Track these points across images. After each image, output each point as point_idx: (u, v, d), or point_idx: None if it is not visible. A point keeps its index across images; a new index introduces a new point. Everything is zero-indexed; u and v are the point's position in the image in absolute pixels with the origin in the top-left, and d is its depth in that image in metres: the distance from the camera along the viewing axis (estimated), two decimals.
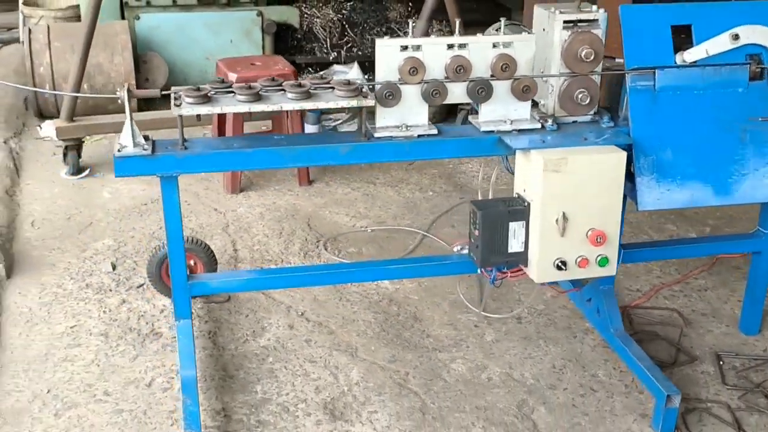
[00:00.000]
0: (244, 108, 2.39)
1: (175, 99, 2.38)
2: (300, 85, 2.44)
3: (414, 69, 2.50)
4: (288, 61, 4.47)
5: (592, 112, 2.69)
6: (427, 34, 4.83)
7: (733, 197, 2.72)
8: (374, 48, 2.49)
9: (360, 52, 5.84)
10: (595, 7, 2.66)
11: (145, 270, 3.26)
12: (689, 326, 3.14)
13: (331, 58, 5.76)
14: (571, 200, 2.47)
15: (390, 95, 2.50)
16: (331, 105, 2.44)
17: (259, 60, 4.19)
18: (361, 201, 4.07)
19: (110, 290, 3.28)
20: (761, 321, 3.10)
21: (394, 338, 3.03)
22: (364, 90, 2.47)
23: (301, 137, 2.59)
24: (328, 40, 5.84)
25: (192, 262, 3.15)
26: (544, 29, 2.66)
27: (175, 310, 2.64)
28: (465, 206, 3.94)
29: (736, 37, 2.68)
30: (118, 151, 2.36)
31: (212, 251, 3.20)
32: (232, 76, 3.94)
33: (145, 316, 3.11)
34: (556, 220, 2.47)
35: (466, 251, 2.81)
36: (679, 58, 2.68)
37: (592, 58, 2.58)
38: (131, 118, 2.37)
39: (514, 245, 2.55)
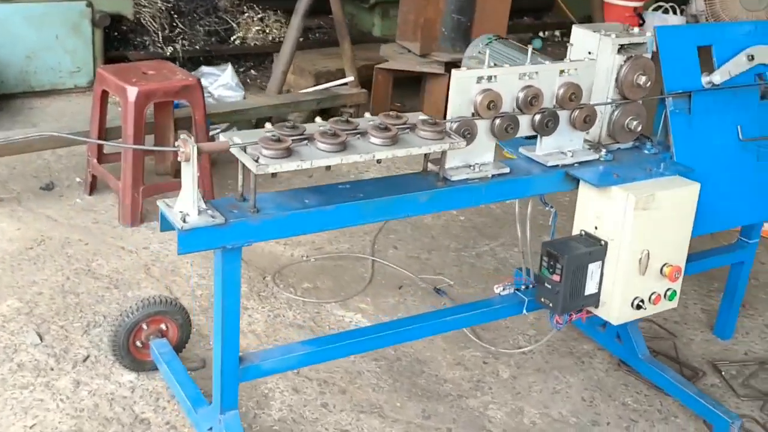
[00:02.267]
0: (335, 160, 1.99)
1: (250, 153, 1.91)
2: (386, 129, 2.07)
3: (492, 103, 2.23)
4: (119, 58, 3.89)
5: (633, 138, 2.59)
6: (302, 31, 4.47)
7: (758, 215, 2.77)
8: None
9: (197, 47, 5.28)
10: (636, 30, 2.55)
11: (106, 340, 2.68)
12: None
13: (168, 53, 5.14)
14: (651, 236, 2.36)
15: (468, 133, 2.22)
16: (424, 150, 2.11)
17: (149, 68, 3.59)
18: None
19: (52, 369, 2.65)
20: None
21: (412, 388, 2.75)
22: (447, 128, 2.17)
23: (366, 184, 2.21)
24: (159, 32, 5.21)
25: (164, 326, 2.64)
26: (589, 53, 2.50)
27: (222, 401, 2.17)
28: (395, 224, 3.70)
29: (751, 57, 2.70)
30: (183, 221, 1.86)
31: (187, 311, 2.70)
32: (132, 91, 3.33)
33: (116, 399, 2.55)
34: (639, 259, 2.35)
35: (508, 292, 2.61)
36: (705, 80, 2.65)
37: (648, 84, 2.47)
38: (196, 179, 1.87)
39: (590, 287, 2.39)
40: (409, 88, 4.92)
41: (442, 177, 2.21)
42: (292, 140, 1.96)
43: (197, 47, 5.24)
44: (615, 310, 2.39)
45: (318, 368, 2.78)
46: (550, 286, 2.36)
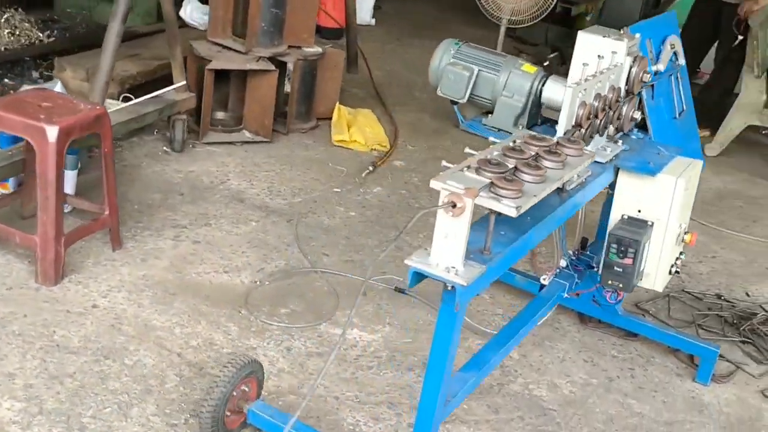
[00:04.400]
0: (554, 186, 2.04)
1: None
2: (558, 154, 2.17)
3: (590, 113, 2.43)
4: None
5: None
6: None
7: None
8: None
9: None
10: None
11: (197, 421, 2.37)
12: None
13: None
14: (683, 211, 2.76)
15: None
16: (580, 169, 2.24)
17: (43, 98, 3.04)
18: (206, 251, 3.41)
19: None
20: None
21: None
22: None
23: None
24: None
25: (246, 387, 2.43)
26: (599, 56, 2.78)
27: None
28: (304, 230, 3.65)
29: (672, 46, 3.21)
30: (456, 274, 1.82)
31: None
32: (52, 130, 2.84)
33: None
34: (678, 233, 2.74)
35: (551, 279, 2.85)
36: (654, 68, 3.10)
37: (648, 79, 2.83)
38: (467, 232, 1.83)
39: (642, 264, 2.73)
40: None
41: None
42: (504, 176, 1.98)
43: None
44: (660, 279, 2.77)
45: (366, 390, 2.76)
46: (621, 269, 2.65)
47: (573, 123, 2.41)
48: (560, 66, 6.40)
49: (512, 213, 1.88)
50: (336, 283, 3.36)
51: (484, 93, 2.97)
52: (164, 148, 4.23)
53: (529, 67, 2.95)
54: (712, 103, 5.72)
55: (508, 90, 2.93)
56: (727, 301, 3.70)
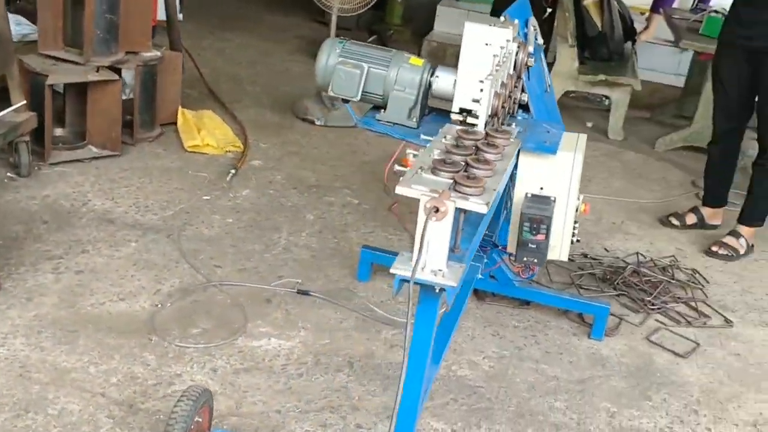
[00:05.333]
0: (504, 179, 2.12)
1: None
2: (496, 145, 2.25)
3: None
4: None
5: None
6: None
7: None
8: None
9: None
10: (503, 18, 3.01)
11: None
12: None
13: None
14: (578, 183, 2.94)
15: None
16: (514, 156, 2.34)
17: None
18: (93, 280, 3.22)
19: None
20: None
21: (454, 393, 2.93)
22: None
23: None
24: None
25: (199, 419, 2.36)
26: (487, 44, 2.89)
27: None
28: (186, 242, 3.55)
29: (534, 27, 3.40)
30: (443, 276, 1.87)
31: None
32: None
33: None
34: (577, 206, 2.92)
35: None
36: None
37: (532, 63, 2.98)
38: (452, 235, 1.87)
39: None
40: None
41: None
42: (466, 175, 2.04)
43: None
44: (564, 249, 2.94)
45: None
46: (534, 246, 2.80)
47: (490, 113, 2.50)
48: None
49: (483, 209, 1.94)
50: (237, 294, 3.29)
51: (376, 89, 2.99)
52: (9, 174, 3.93)
53: (416, 60, 3.01)
54: None
55: (399, 84, 2.97)
56: (594, 259, 3.99)
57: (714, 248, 4.27)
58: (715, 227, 4.59)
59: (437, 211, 1.83)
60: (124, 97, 4.44)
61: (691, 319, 3.62)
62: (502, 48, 2.70)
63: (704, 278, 4.00)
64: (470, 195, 1.97)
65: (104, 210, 3.76)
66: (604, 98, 6.43)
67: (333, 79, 2.97)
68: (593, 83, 5.81)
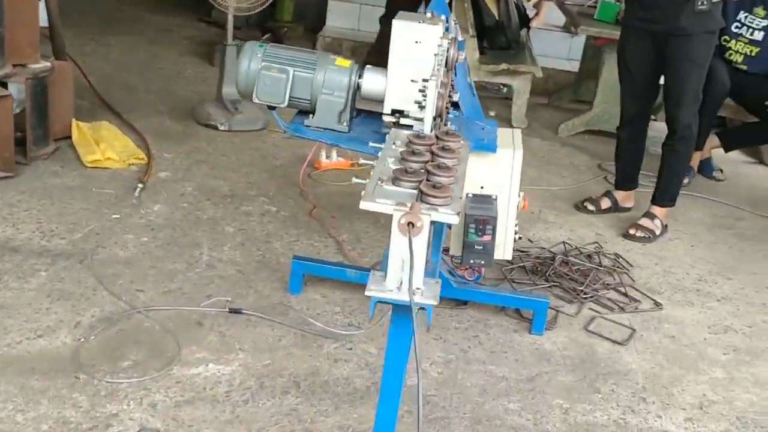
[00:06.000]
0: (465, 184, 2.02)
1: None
2: (452, 150, 2.15)
3: None
4: None
5: None
6: None
7: None
8: None
9: None
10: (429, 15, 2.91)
11: None
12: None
13: None
14: (518, 179, 2.90)
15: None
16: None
17: None
18: (4, 317, 2.95)
19: None
20: None
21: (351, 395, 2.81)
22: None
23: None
24: None
25: None
26: (417, 42, 2.79)
27: None
28: (97, 267, 3.32)
29: (455, 21, 3.33)
30: (422, 295, 1.76)
31: None
32: None
33: None
34: (518, 202, 2.87)
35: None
36: None
37: (462, 59, 2.90)
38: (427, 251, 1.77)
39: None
40: None
41: None
42: (431, 184, 1.94)
43: None
44: (508, 247, 2.89)
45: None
46: (481, 247, 2.73)
47: (435, 114, 2.41)
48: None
49: (454, 220, 1.84)
50: (165, 319, 3.09)
51: (303, 94, 2.85)
52: None
53: (343, 62, 2.88)
54: None
55: (327, 87, 2.84)
56: (521, 251, 3.96)
57: (631, 231, 4.34)
58: (628, 209, 4.67)
59: (412, 226, 1.72)
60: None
61: (622, 304, 3.65)
62: (440, 46, 2.61)
63: (627, 262, 4.04)
64: (439, 205, 1.87)
65: (6, 238, 3.47)
66: (502, 87, 6.46)
67: (257, 85, 2.82)
68: (495, 73, 5.82)
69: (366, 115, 3.03)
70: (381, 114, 2.91)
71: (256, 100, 2.85)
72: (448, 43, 2.78)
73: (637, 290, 3.79)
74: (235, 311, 3.17)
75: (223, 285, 3.36)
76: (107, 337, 2.94)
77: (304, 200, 4.23)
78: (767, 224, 4.89)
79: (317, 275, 3.42)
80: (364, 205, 1.86)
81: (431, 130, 2.38)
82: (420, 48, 2.76)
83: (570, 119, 5.99)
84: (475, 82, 6.12)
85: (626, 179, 4.64)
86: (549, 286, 3.69)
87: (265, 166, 4.62)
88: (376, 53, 6.23)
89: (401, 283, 1.78)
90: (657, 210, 4.44)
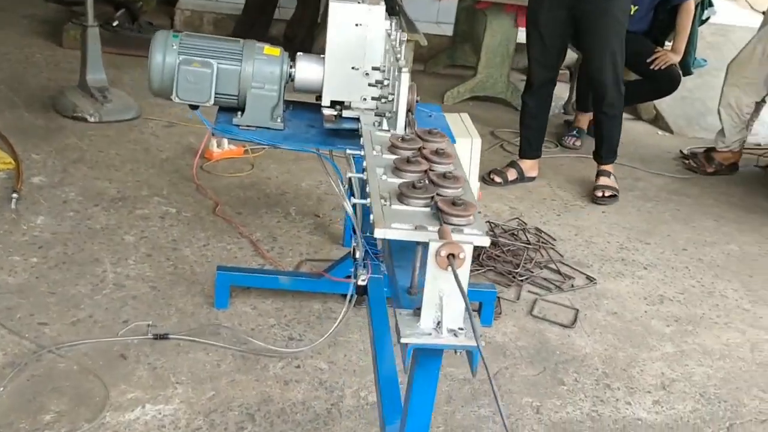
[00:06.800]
0: (474, 192, 1.78)
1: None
2: (448, 154, 1.89)
3: None
4: None
5: None
6: None
7: None
8: None
9: None
10: None
11: None
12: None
13: None
14: (477, 169, 2.68)
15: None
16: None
17: None
18: None
19: None
20: None
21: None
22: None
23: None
24: None
25: None
26: (357, 25, 2.50)
27: None
28: None
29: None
30: (465, 336, 1.52)
31: None
32: None
33: None
34: (476, 191, 2.65)
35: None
36: None
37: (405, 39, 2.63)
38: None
39: None
40: None
41: None
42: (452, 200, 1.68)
43: None
44: None
45: None
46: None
47: (407, 109, 2.14)
48: (133, 24, 5.83)
49: (486, 242, 1.60)
50: (81, 356, 2.68)
51: (230, 89, 2.50)
52: None
53: (272, 50, 2.55)
54: (302, 38, 5.74)
55: (257, 80, 2.50)
56: None
57: (598, 194, 4.39)
58: (533, 179, 4.57)
59: (453, 258, 1.46)
60: None
61: (558, 283, 3.53)
62: (387, 30, 2.34)
63: (550, 236, 3.93)
64: (463, 225, 1.61)
65: None
66: None
67: (177, 82, 2.45)
68: None
69: (294, 108, 2.72)
70: (312, 104, 2.63)
71: (176, 100, 2.48)
72: (391, 24, 2.51)
73: (568, 266, 3.68)
74: (161, 337, 2.80)
75: (139, 306, 2.97)
76: (19, 386, 2.50)
77: (203, 197, 3.85)
78: (663, 182, 4.93)
79: (245, 286, 3.09)
80: (379, 233, 1.58)
81: (405, 129, 2.11)
82: (361, 31, 2.48)
83: (453, 86, 5.84)
84: None
85: (532, 148, 4.54)
86: (484, 271, 3.52)
87: (150, 160, 4.18)
88: (243, 25, 5.85)
89: (437, 323, 1.51)
90: (609, 167, 4.46)
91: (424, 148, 1.93)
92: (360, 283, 2.51)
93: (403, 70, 2.06)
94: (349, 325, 3.01)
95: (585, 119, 5.33)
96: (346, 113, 2.53)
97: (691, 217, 4.46)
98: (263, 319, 3.00)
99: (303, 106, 2.73)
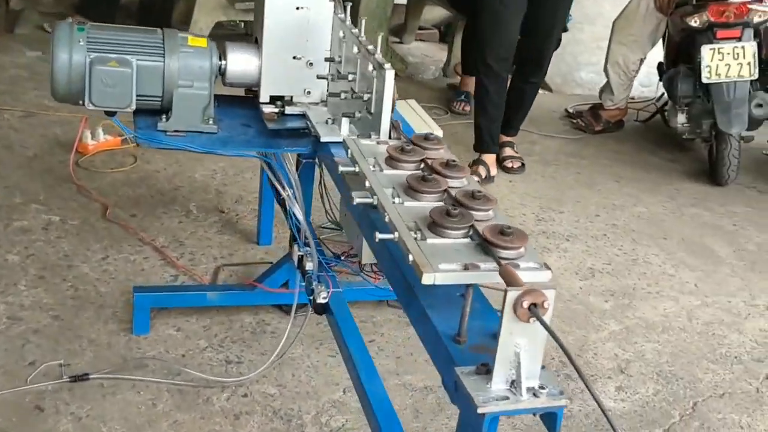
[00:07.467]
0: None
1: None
2: (458, 166, 1.64)
3: None
4: None
5: None
6: None
7: None
8: None
9: None
10: None
11: None
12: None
13: None
14: None
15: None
16: None
17: None
18: None
19: None
20: None
21: None
22: None
23: None
24: None
25: None
26: (299, 8, 2.18)
27: None
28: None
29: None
30: (547, 396, 1.30)
31: None
32: None
33: None
34: None
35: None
36: None
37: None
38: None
39: None
40: None
41: None
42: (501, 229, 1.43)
43: None
44: None
45: None
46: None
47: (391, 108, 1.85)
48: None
49: (547, 277, 1.37)
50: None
51: (153, 90, 2.12)
52: None
53: (197, 41, 2.19)
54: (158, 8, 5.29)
55: (184, 78, 2.14)
56: None
57: (508, 164, 4.25)
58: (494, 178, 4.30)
59: (534, 305, 1.22)
60: None
61: None
62: (300, 9, 2.06)
63: None
64: (515, 258, 1.38)
65: None
66: (239, 21, 5.83)
67: (90, 85, 2.05)
68: (250, 10, 5.14)
69: (220, 103, 2.36)
70: (239, 98, 2.31)
71: (89, 107, 2.08)
72: (335, 6, 2.21)
73: None
74: (79, 378, 2.41)
75: (44, 342, 2.56)
76: None
77: (87, 199, 3.40)
78: (557, 145, 4.87)
79: (166, 307, 2.73)
80: (427, 279, 1.32)
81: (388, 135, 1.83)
82: (303, 15, 2.17)
83: None
84: (226, 22, 5.47)
85: (494, 141, 4.22)
86: None
87: (16, 160, 3.67)
88: (144, 11, 5.40)
89: (511, 383, 1.28)
90: (513, 138, 4.38)
91: (427, 158, 1.66)
92: (320, 301, 2.22)
93: (386, 66, 1.77)
94: (288, 338, 2.72)
95: (471, 82, 5.15)
96: (289, 110, 2.22)
97: (593, 179, 4.41)
98: (192, 341, 2.66)
99: (230, 102, 2.38)
